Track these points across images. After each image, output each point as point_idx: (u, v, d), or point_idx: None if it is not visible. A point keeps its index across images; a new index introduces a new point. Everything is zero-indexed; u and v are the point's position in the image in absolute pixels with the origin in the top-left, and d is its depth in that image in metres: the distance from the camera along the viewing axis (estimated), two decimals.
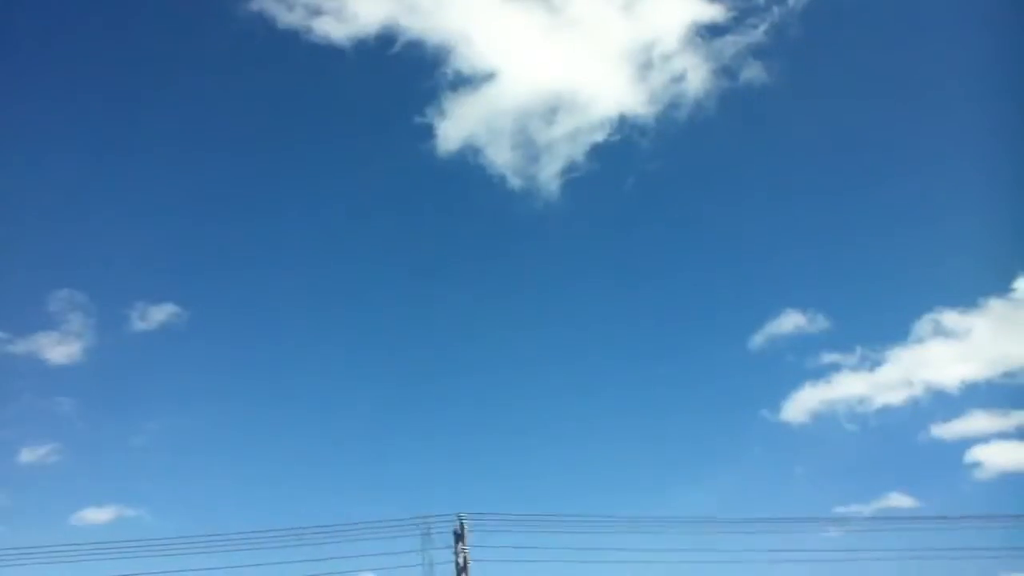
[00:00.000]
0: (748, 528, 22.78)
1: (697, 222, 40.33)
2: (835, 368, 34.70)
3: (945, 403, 33.38)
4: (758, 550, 21.46)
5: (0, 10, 39.69)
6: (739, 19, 37.64)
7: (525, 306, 40.20)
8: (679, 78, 38.00)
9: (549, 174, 38.60)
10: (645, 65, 38.00)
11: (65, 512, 33.38)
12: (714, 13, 37.44)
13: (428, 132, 38.84)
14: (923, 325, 34.16)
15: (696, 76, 37.92)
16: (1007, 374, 32.70)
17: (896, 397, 33.80)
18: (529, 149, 38.74)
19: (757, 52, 37.85)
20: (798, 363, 35.56)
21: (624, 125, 38.32)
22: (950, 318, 33.90)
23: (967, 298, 33.92)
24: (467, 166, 38.79)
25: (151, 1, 41.51)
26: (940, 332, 34.00)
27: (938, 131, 37.72)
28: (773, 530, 22.27)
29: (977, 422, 32.63)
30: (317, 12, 38.02)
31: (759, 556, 21.71)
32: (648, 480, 35.40)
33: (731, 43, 37.82)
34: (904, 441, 34.22)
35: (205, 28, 40.83)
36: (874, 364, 34.39)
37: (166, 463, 35.74)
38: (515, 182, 38.72)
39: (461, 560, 19.43)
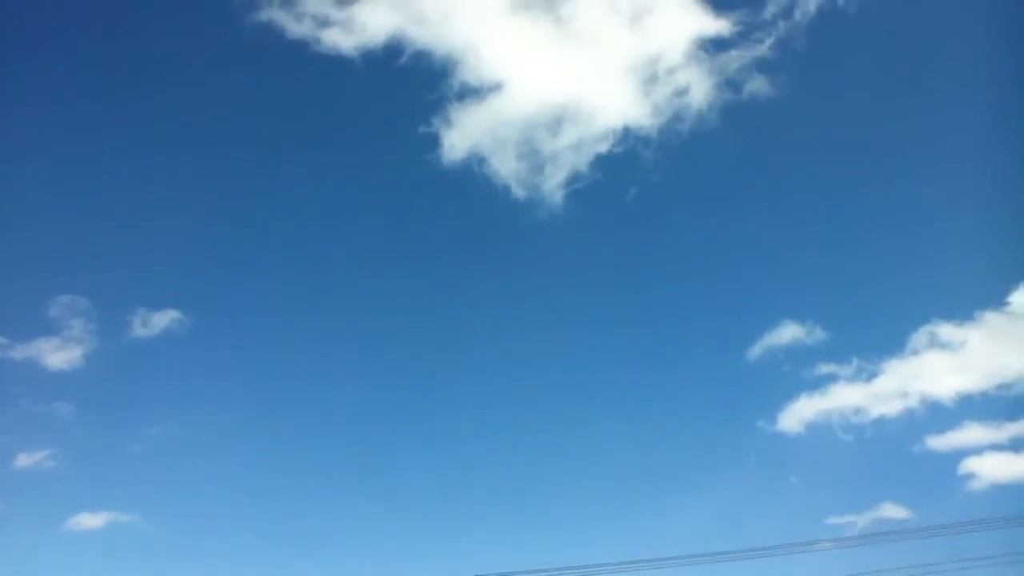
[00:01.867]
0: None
1: (697, 233, 40.74)
2: (831, 379, 35.22)
3: (940, 414, 33.94)
4: None
5: (6, 13, 39.45)
6: (745, 33, 38.21)
7: (526, 315, 40.40)
8: (683, 91, 38.51)
9: (553, 184, 38.93)
10: (650, 78, 38.49)
11: (59, 517, 33.33)
12: (720, 27, 38.01)
13: (434, 142, 39.05)
14: (919, 337, 34.73)
15: (700, 89, 38.43)
16: (1002, 386, 33.31)
17: (892, 408, 34.33)
18: (534, 159, 39.07)
19: (762, 66, 38.42)
20: (795, 374, 36.01)
21: (628, 136, 38.74)
22: (946, 330, 34.50)
23: (963, 311, 34.52)
24: (472, 176, 39.04)
25: (160, 8, 41.31)
26: (936, 344, 34.58)
27: (938, 145, 38.34)
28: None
29: (971, 434, 33.19)
30: (325, 23, 38.21)
31: None
32: (643, 488, 35.82)
33: (736, 57, 38.38)
34: (899, 452, 34.70)
35: (214, 37, 40.75)
36: (870, 375, 34.92)
37: (162, 469, 35.69)
38: (519, 192, 39.03)
39: None
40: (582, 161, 38.87)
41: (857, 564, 29.66)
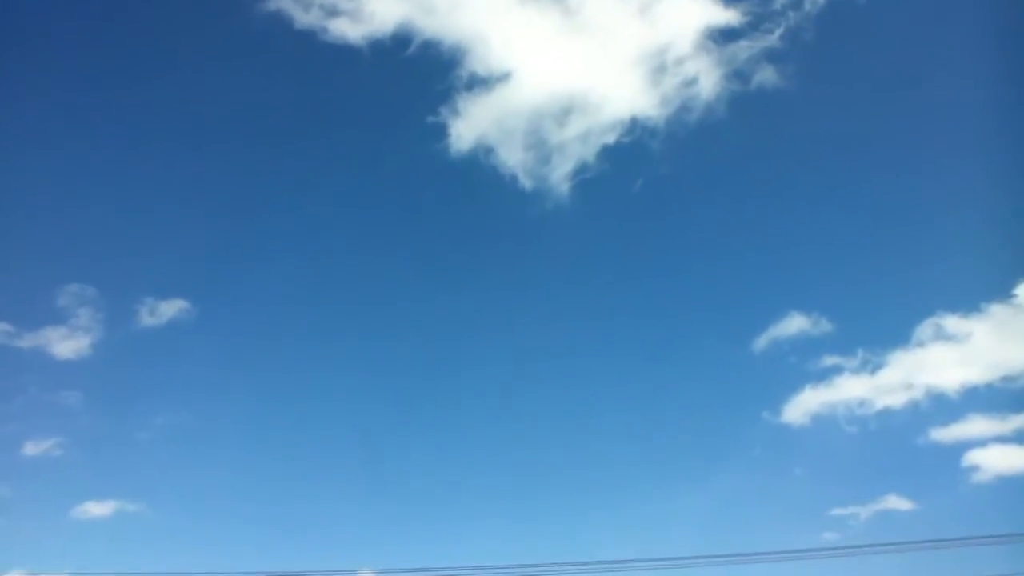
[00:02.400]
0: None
1: (704, 224, 40.77)
2: (836, 371, 35.22)
3: (944, 407, 33.91)
4: None
5: (17, 6, 39.44)
6: (754, 24, 38.10)
7: (531, 305, 40.49)
8: (691, 82, 38.46)
9: (560, 175, 38.94)
10: (658, 68, 38.45)
11: (66, 505, 33.49)
12: (729, 17, 37.95)
13: (441, 131, 39.04)
14: (924, 329, 34.70)
15: (708, 80, 38.38)
16: (1007, 378, 33.24)
17: (896, 400, 34.31)
18: (541, 150, 39.06)
19: (771, 56, 38.31)
20: (800, 365, 36.02)
21: (635, 127, 38.74)
22: (951, 322, 34.47)
23: (969, 303, 34.47)
24: (479, 166, 39.04)
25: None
26: (941, 336, 34.55)
27: (943, 136, 38.27)
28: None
29: (976, 426, 33.16)
30: (334, 13, 38.18)
31: None
32: (648, 479, 35.98)
33: (744, 47, 38.29)
34: (903, 444, 34.72)
35: (222, 27, 40.76)
36: (875, 367, 34.92)
37: (168, 458, 35.86)
38: (526, 182, 39.02)
39: None
40: (589, 152, 38.89)
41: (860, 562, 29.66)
